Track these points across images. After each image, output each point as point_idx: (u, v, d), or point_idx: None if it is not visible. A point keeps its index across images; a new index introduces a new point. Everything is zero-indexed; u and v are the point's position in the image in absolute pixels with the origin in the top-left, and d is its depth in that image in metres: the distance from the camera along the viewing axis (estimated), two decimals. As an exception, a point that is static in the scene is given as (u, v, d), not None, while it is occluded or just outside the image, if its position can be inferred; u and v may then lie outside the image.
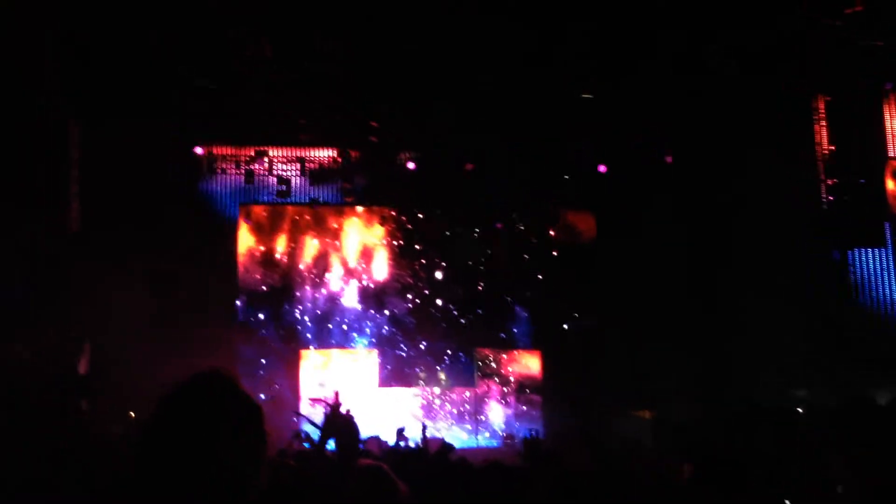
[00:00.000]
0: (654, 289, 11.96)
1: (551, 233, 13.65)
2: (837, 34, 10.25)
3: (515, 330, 13.71)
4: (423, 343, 13.44)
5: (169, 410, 1.79)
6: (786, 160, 11.43)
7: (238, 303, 13.18)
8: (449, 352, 13.46)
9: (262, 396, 12.16)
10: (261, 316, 13.29)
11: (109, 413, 9.23)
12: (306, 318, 13.51)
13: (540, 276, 13.52)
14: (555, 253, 13.57)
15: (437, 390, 13.34)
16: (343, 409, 3.04)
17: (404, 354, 13.45)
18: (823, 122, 11.89)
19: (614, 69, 10.89)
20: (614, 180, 12.88)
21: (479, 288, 13.56)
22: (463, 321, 13.50)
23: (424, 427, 8.75)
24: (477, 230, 13.54)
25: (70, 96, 10.99)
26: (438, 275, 13.59)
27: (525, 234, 13.66)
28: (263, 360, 12.99)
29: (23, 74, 9.66)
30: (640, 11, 9.76)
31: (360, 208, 13.77)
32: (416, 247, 13.65)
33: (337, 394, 3.20)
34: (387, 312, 13.58)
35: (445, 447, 6.49)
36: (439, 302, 13.54)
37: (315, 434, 3.04)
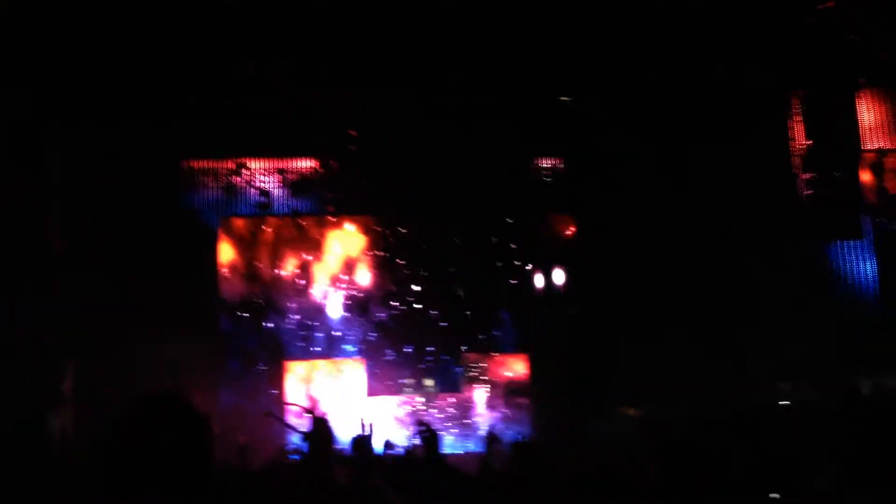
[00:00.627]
0: (637, 288, 11.98)
1: (533, 235, 13.65)
2: (810, 30, 10.38)
3: (500, 333, 13.69)
4: (409, 350, 13.38)
5: (120, 431, 1.97)
6: (761, 156, 11.52)
7: (221, 316, 13.05)
8: (435, 357, 13.42)
9: (248, 410, 12.08)
10: (244, 329, 13.17)
11: (90, 428, 9.13)
12: (290, 330, 13.40)
13: (519, 281, 13.53)
14: (537, 255, 13.58)
15: (424, 397, 13.29)
16: (319, 416, 3.02)
17: (390, 362, 13.37)
18: (798, 118, 12.01)
19: (589, 73, 10.96)
20: (593, 181, 12.89)
21: (463, 293, 13.52)
22: (447, 325, 13.47)
23: (413, 434, 8.72)
24: (458, 238, 13.50)
25: (49, 108, 10.90)
26: (422, 281, 13.54)
27: (506, 238, 13.64)
28: (248, 374, 12.86)
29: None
30: (618, 12, 9.85)
31: (345, 223, 13.71)
32: (399, 254, 13.60)
33: (313, 400, 3.18)
34: (371, 321, 13.51)
35: (433, 453, 6.47)
36: (423, 308, 13.50)
37: (298, 440, 3.02)
